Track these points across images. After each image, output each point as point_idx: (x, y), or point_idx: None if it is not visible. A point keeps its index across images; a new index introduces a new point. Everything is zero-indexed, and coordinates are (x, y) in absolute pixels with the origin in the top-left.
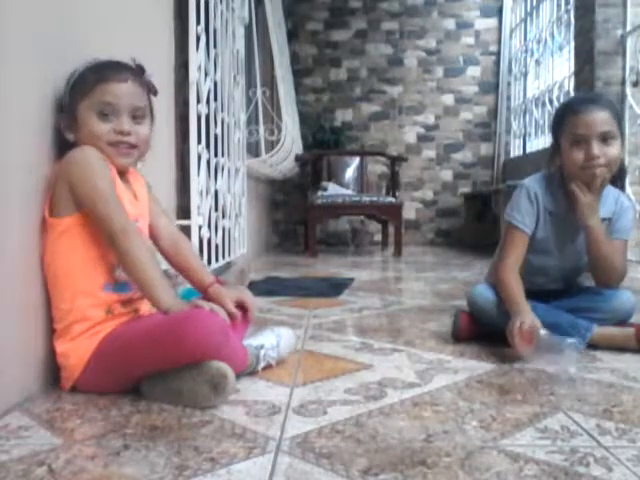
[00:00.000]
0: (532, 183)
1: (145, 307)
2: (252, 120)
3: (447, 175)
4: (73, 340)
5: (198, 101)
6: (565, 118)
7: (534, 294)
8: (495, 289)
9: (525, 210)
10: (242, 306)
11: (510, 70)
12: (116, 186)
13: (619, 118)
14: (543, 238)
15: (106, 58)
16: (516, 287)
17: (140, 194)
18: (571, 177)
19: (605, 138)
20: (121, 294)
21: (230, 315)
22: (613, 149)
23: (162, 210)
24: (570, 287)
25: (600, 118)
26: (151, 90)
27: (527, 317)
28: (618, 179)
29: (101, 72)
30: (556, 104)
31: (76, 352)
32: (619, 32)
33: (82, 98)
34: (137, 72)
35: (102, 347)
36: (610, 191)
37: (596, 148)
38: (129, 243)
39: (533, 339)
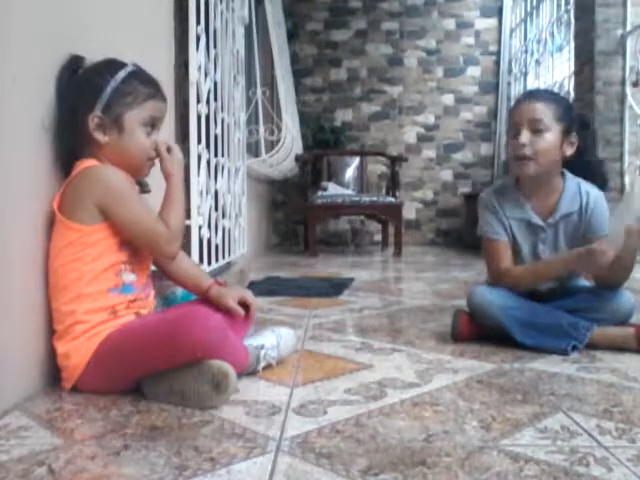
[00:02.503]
0: (486, 196)
1: (147, 309)
2: (252, 120)
3: (447, 175)
4: (75, 340)
5: (198, 101)
6: (509, 115)
7: (530, 295)
8: (495, 290)
9: (492, 221)
10: (244, 305)
11: (510, 70)
12: None
13: (565, 114)
14: (515, 245)
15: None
16: (531, 265)
17: None
18: (519, 180)
19: (535, 129)
20: (127, 295)
21: (234, 314)
22: (542, 141)
23: None
24: (566, 285)
25: (531, 107)
26: None
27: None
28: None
29: (151, 87)
30: None
31: (77, 352)
32: (619, 32)
33: (131, 107)
34: None
35: (102, 348)
36: (569, 181)
37: (523, 136)
38: (176, 246)
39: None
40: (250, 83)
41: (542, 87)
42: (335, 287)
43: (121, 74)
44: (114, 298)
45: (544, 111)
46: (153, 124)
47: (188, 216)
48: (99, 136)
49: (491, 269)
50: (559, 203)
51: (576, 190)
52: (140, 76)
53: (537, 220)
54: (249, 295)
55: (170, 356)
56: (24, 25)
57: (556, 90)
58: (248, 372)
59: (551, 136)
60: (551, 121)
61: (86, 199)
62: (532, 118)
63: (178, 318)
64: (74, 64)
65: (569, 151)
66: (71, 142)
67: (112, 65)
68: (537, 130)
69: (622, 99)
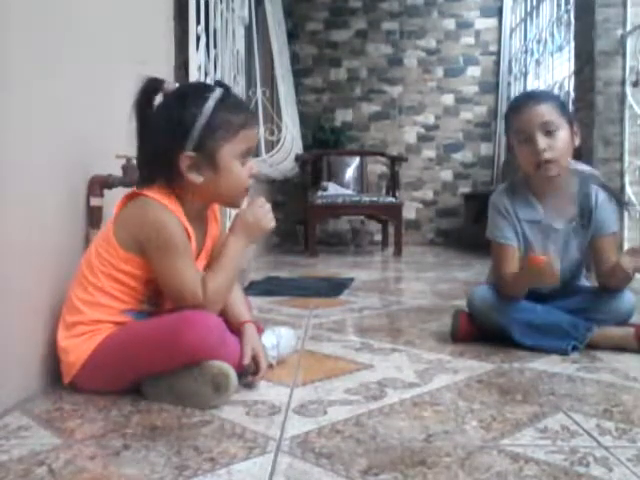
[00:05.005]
0: (498, 198)
1: None
2: None
3: (447, 175)
4: (75, 338)
5: None
6: (509, 119)
7: (532, 296)
8: (495, 290)
9: (502, 225)
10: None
11: (510, 70)
12: (190, 241)
13: (564, 108)
14: (525, 247)
15: (231, 89)
16: (514, 275)
17: (210, 232)
18: (530, 180)
19: (548, 130)
20: (138, 320)
21: (240, 362)
22: (559, 141)
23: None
24: (569, 287)
25: (538, 110)
26: None
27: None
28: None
29: (241, 116)
30: None
31: (76, 349)
32: (619, 32)
33: (225, 142)
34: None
35: (100, 348)
36: (577, 187)
37: (541, 142)
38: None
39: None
40: (250, 83)
41: (538, 88)
42: (335, 287)
43: (210, 104)
44: (125, 319)
45: (549, 111)
46: (249, 154)
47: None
48: (193, 177)
49: (496, 274)
50: (571, 203)
51: (587, 190)
52: (229, 103)
53: (549, 220)
54: (262, 359)
55: (169, 358)
56: (22, 25)
57: (556, 90)
58: (248, 372)
59: (563, 133)
60: (558, 118)
61: (131, 230)
62: (543, 121)
63: (177, 320)
64: (152, 87)
65: (577, 141)
66: (154, 176)
67: (199, 94)
68: (550, 131)
69: (622, 99)
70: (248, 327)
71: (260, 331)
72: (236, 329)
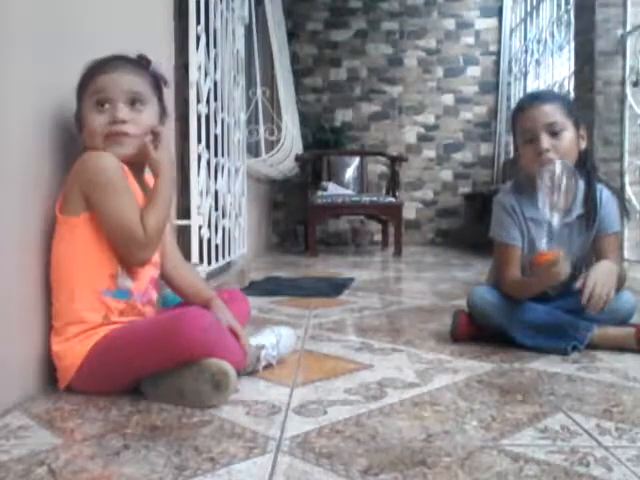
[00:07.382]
0: (504, 197)
1: (145, 316)
2: (252, 120)
3: (447, 175)
4: (67, 341)
5: (198, 101)
6: (515, 119)
7: (533, 297)
8: (495, 290)
9: (508, 224)
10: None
11: (510, 70)
12: (136, 194)
13: (571, 109)
14: (529, 247)
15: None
16: (522, 280)
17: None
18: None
19: (554, 131)
20: (120, 301)
21: (239, 362)
22: (564, 142)
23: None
24: (570, 287)
25: (544, 110)
26: (159, 80)
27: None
28: (587, 170)
29: (94, 66)
30: None
31: (69, 354)
32: (619, 32)
33: (82, 97)
34: (137, 63)
35: (95, 350)
36: (582, 185)
37: (545, 141)
38: (149, 254)
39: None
40: (250, 83)
41: (540, 88)
42: (335, 287)
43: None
44: (107, 301)
45: (555, 111)
46: (106, 99)
47: (188, 216)
48: (82, 139)
49: (498, 274)
50: (575, 202)
51: (593, 189)
52: (91, 62)
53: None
54: (237, 324)
55: (166, 357)
56: (23, 28)
57: (556, 90)
58: (248, 372)
59: (569, 134)
60: (564, 119)
61: (75, 185)
62: (547, 122)
63: (173, 318)
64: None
65: (583, 144)
66: None
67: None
68: (555, 132)
69: (622, 99)
70: (215, 300)
71: (225, 302)
72: (202, 306)
